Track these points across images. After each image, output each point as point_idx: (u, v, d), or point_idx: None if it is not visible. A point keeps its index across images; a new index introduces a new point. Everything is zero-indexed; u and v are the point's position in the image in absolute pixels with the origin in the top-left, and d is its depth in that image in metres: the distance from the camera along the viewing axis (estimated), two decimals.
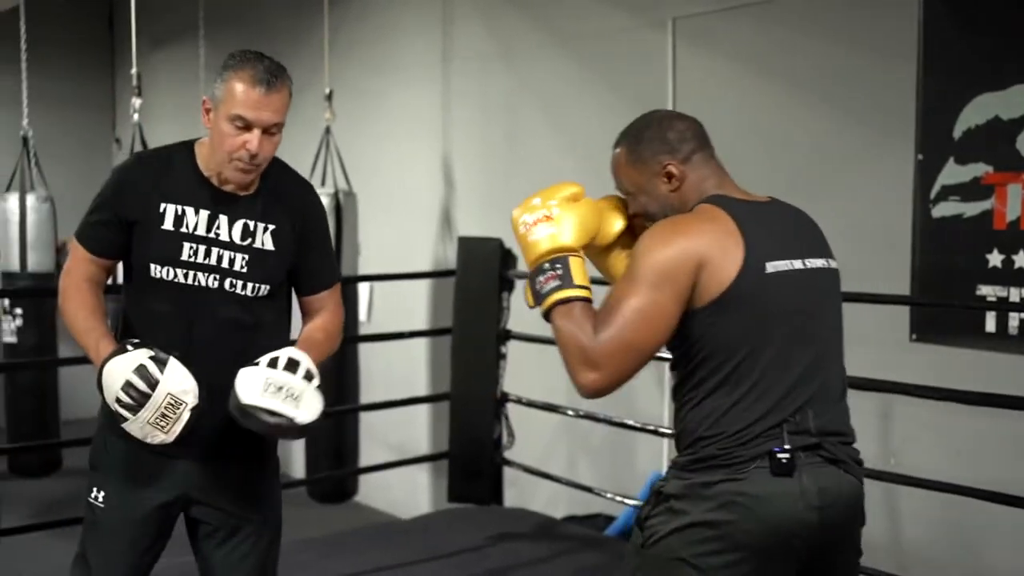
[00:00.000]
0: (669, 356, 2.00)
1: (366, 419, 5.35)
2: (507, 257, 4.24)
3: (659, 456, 4.38)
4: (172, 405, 2.10)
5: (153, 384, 2.09)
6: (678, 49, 4.24)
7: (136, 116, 4.95)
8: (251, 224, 2.26)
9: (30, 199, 5.48)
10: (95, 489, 2.30)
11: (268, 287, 2.29)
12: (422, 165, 5.49)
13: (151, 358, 2.11)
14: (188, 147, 2.30)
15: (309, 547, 3.88)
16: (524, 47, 4.97)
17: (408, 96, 5.61)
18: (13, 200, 5.50)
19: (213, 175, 2.25)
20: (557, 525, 4.23)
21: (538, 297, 1.96)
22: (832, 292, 2.05)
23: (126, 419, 2.11)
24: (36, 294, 5.50)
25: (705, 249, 1.87)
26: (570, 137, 4.76)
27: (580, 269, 1.96)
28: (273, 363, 2.17)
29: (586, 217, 2.01)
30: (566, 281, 1.93)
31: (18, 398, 5.54)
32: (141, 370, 2.09)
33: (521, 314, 4.33)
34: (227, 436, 2.27)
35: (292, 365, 2.17)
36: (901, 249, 3.48)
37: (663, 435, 4.16)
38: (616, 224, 2.09)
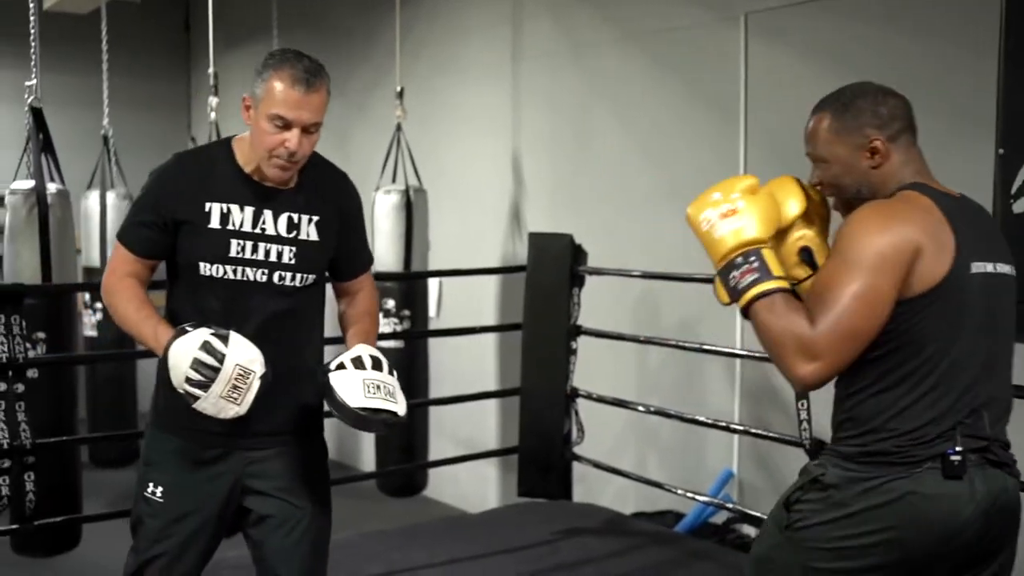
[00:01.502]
0: None
1: (436, 414, 5.39)
2: (578, 253, 4.24)
3: (729, 453, 4.36)
4: (242, 375, 2.12)
5: (221, 358, 2.11)
6: (751, 45, 4.20)
7: (213, 115, 5.05)
8: (295, 217, 2.32)
9: (110, 196, 5.62)
10: (151, 484, 2.32)
11: (314, 276, 2.36)
12: (491, 162, 5.52)
13: (213, 334, 2.13)
14: (226, 145, 2.34)
15: (380, 539, 3.93)
16: (594, 44, 4.96)
17: (478, 94, 5.64)
18: (94, 197, 5.65)
19: (254, 171, 2.29)
20: (626, 521, 4.22)
21: (735, 293, 1.90)
22: (1011, 297, 2.00)
23: (197, 398, 2.12)
24: None
25: (923, 238, 1.82)
26: (640, 134, 4.75)
27: (775, 260, 1.91)
28: (359, 363, 2.22)
29: (769, 207, 1.96)
30: (764, 274, 1.87)
31: (98, 390, 5.69)
32: (206, 346, 2.11)
33: (591, 310, 4.34)
34: (279, 424, 2.34)
35: (377, 363, 2.24)
36: None
37: (734, 431, 4.13)
38: (793, 208, 2.02)
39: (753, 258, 1.89)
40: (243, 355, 2.14)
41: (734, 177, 2.00)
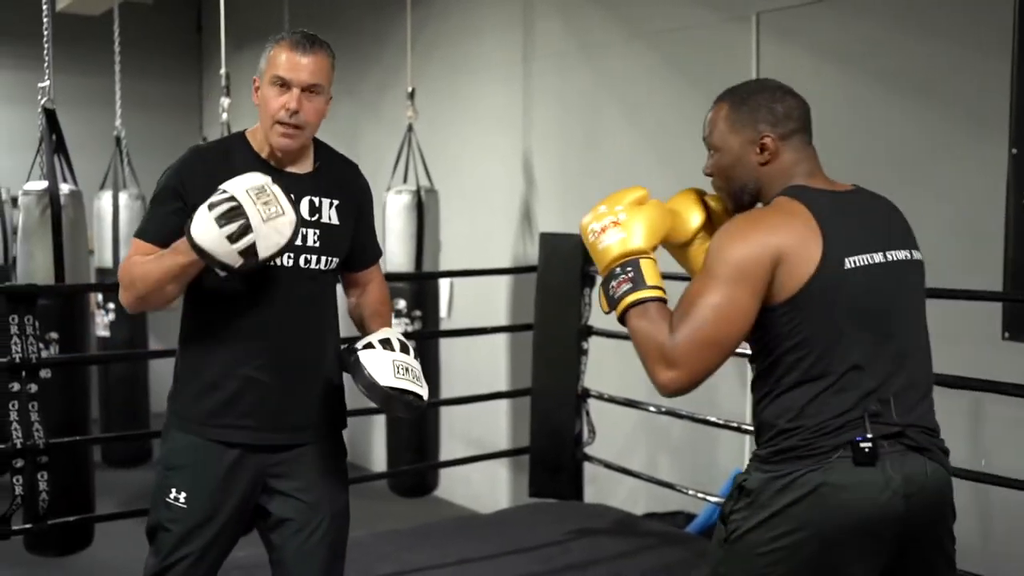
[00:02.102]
0: (748, 351, 1.99)
1: (447, 414, 5.40)
2: (588, 253, 4.24)
3: (741, 453, 4.35)
4: (259, 191, 2.11)
5: (231, 197, 2.09)
6: (762, 44, 4.20)
7: (225, 115, 5.07)
8: (316, 200, 2.34)
9: (123, 197, 5.64)
10: (174, 490, 2.31)
11: (337, 260, 2.38)
12: (502, 162, 5.52)
13: (207, 202, 2.11)
14: (240, 136, 2.38)
15: (391, 539, 3.93)
16: (604, 44, 4.96)
17: (489, 94, 5.64)
18: (107, 198, 5.67)
19: (270, 156, 2.32)
20: (638, 521, 4.22)
21: (612, 301, 1.96)
22: (916, 284, 2.02)
23: (253, 248, 2.08)
24: None
25: (783, 244, 1.85)
26: (651, 134, 4.75)
27: (652, 270, 1.95)
28: (387, 344, 2.25)
29: (654, 219, 2.01)
30: (638, 283, 1.92)
31: (111, 390, 5.71)
32: (213, 205, 2.09)
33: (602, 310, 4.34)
34: (305, 417, 2.35)
35: (404, 346, 2.28)
36: (994, 245, 3.40)
37: (745, 432, 4.12)
38: (694, 219, 2.10)
39: (630, 268, 1.94)
40: (243, 182, 2.13)
41: (623, 189, 2.05)
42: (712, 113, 2.07)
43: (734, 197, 2.06)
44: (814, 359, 1.87)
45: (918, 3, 3.70)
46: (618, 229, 1.97)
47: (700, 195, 2.13)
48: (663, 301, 1.92)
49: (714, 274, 1.86)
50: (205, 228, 2.09)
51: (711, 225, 2.10)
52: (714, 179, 2.09)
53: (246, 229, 2.08)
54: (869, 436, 1.84)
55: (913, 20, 3.70)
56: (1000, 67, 3.38)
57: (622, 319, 1.94)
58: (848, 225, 1.91)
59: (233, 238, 2.08)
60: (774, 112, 1.99)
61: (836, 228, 1.88)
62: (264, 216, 2.09)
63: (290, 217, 2.12)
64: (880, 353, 1.90)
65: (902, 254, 1.97)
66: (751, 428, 4.01)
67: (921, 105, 3.67)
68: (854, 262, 1.89)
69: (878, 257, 1.92)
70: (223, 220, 2.08)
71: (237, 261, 2.10)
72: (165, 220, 2.26)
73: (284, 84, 2.25)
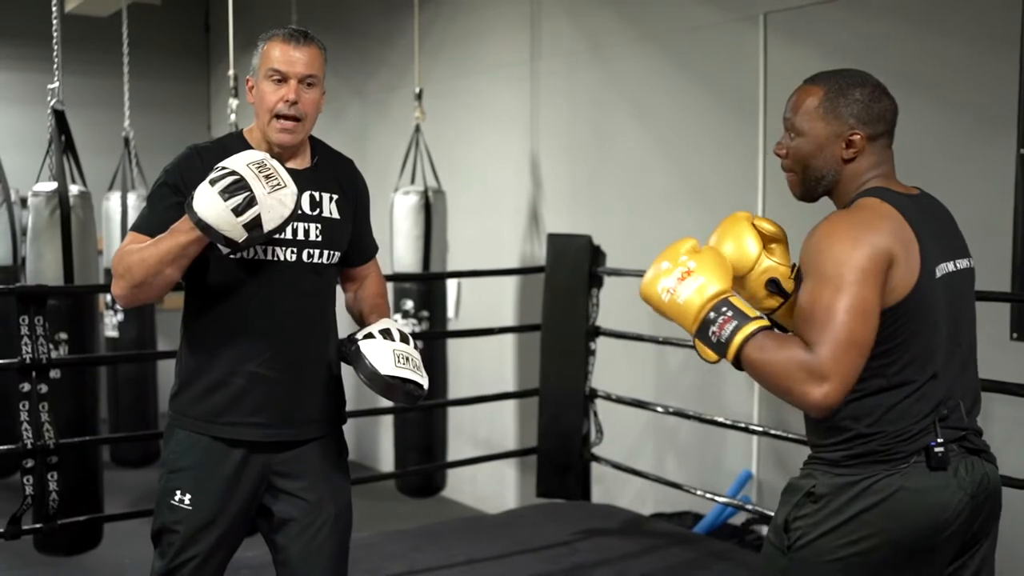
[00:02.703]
0: None
1: (454, 414, 5.40)
2: (596, 254, 4.24)
3: (748, 454, 4.35)
4: (260, 166, 2.11)
5: (231, 171, 2.10)
6: (770, 44, 4.20)
7: (233, 116, 5.08)
8: (317, 195, 2.35)
9: (131, 198, 5.65)
10: (178, 492, 2.30)
11: (338, 254, 2.39)
12: (510, 163, 5.53)
13: (208, 179, 2.12)
14: (238, 135, 2.39)
15: (398, 539, 3.94)
16: (612, 44, 4.96)
17: (496, 95, 5.65)
18: (115, 199, 5.68)
19: (269, 152, 2.31)
20: (645, 522, 4.22)
21: (720, 347, 1.85)
22: (971, 291, 2.02)
23: (258, 221, 2.08)
24: None
25: (892, 247, 1.81)
26: (659, 134, 4.75)
27: (745, 304, 1.88)
28: (387, 334, 2.26)
29: (719, 258, 1.93)
30: (741, 319, 1.82)
31: (119, 390, 5.72)
32: (214, 181, 2.10)
33: (610, 310, 4.34)
34: (310, 413, 2.35)
35: (404, 336, 2.29)
36: (1002, 245, 3.39)
37: (753, 432, 4.12)
38: (751, 248, 2.02)
39: (725, 308, 1.84)
40: (242, 157, 2.13)
41: (675, 242, 1.97)
42: (801, 95, 2.00)
43: (806, 186, 2.00)
44: (901, 365, 1.84)
45: (926, 3, 3.70)
46: (693, 277, 1.89)
47: (750, 220, 2.05)
48: (772, 327, 1.84)
49: (836, 277, 1.78)
50: (209, 202, 2.08)
51: (766, 247, 2.05)
52: (786, 161, 2.02)
53: (251, 201, 2.08)
54: (941, 441, 1.84)
55: (920, 20, 3.70)
56: (1008, 68, 3.37)
57: (737, 362, 1.83)
58: (931, 231, 1.90)
59: (238, 211, 2.07)
60: (870, 110, 1.95)
61: (925, 234, 1.87)
62: (267, 188, 2.09)
63: (292, 189, 2.13)
64: (951, 361, 1.90)
65: (964, 263, 1.98)
66: (759, 429, 4.03)
67: (929, 106, 3.66)
68: (941, 270, 1.89)
69: (951, 266, 1.92)
70: (227, 193, 2.07)
71: (242, 235, 2.10)
72: (163, 214, 2.24)
73: (281, 77, 2.27)
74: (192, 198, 2.11)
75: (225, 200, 2.07)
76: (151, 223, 2.24)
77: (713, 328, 1.85)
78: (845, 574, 1.84)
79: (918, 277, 1.83)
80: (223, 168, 2.12)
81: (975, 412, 1.97)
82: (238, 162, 2.12)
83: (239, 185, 2.08)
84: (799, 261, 1.90)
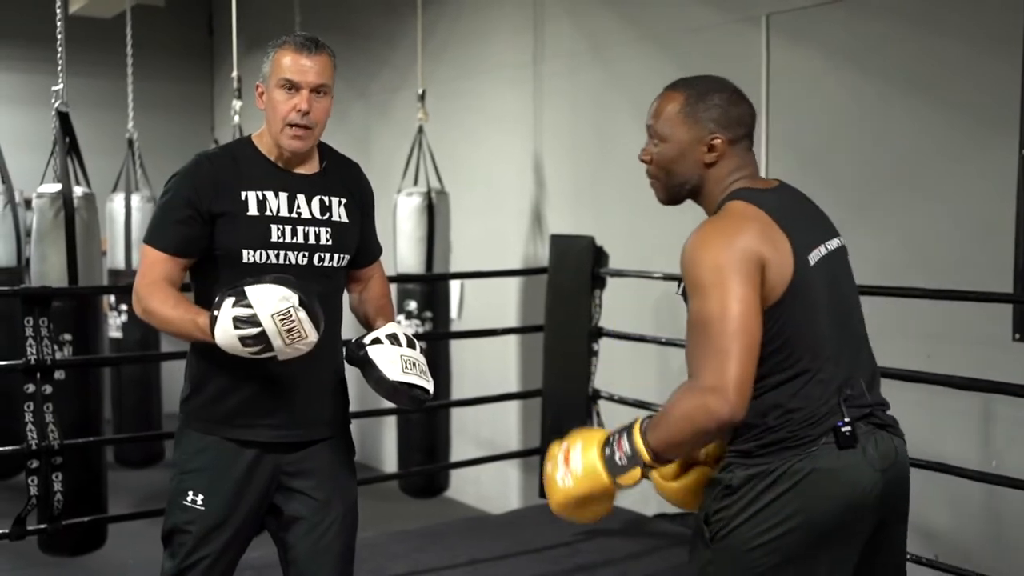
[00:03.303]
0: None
1: (457, 415, 5.41)
2: (599, 255, 4.25)
3: None
4: (284, 319, 2.11)
5: (257, 321, 2.10)
6: (772, 45, 4.20)
7: (237, 118, 5.09)
8: (326, 199, 2.37)
9: (135, 199, 5.67)
10: (191, 492, 2.32)
11: (348, 257, 2.41)
12: (513, 164, 5.53)
13: (234, 303, 2.12)
14: (246, 141, 2.40)
15: (402, 540, 3.95)
16: (615, 45, 4.97)
17: (499, 96, 5.65)
18: (119, 200, 5.70)
19: (278, 158, 2.34)
20: (648, 522, 4.22)
21: (634, 458, 1.87)
22: (848, 268, 2.06)
23: (271, 356, 2.13)
24: None
25: (763, 250, 1.85)
26: None
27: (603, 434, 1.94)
28: (394, 339, 2.30)
29: (585, 432, 1.99)
30: (625, 430, 1.89)
31: (123, 391, 5.73)
32: (236, 321, 2.10)
33: (613, 311, 4.34)
34: (320, 414, 2.38)
35: (411, 341, 2.32)
36: (1004, 246, 3.40)
37: None
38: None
39: (611, 439, 1.90)
40: (270, 304, 2.11)
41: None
42: (662, 102, 2.04)
43: (670, 191, 2.05)
44: (795, 358, 1.88)
45: (927, 4, 3.70)
46: (572, 450, 1.93)
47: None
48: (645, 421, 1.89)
49: (713, 285, 1.81)
50: (228, 341, 2.12)
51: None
52: (650, 168, 2.05)
53: (267, 349, 2.12)
54: (847, 420, 1.88)
55: (922, 21, 3.70)
56: (1010, 69, 3.38)
57: (654, 454, 1.86)
58: (798, 221, 1.94)
59: (255, 353, 2.13)
60: (728, 115, 1.99)
61: (793, 227, 1.90)
62: (287, 340, 2.12)
63: (312, 339, 2.14)
64: (844, 340, 1.94)
65: (835, 242, 2.01)
66: None
67: (931, 107, 3.67)
68: (814, 257, 1.92)
69: (823, 249, 1.96)
70: (248, 341, 2.11)
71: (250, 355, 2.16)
72: (177, 229, 2.28)
73: (292, 87, 2.28)
74: (215, 318, 2.12)
75: (244, 346, 2.11)
76: (166, 239, 2.29)
77: (617, 457, 1.88)
78: (766, 560, 1.86)
79: (793, 271, 1.86)
80: (249, 308, 2.10)
81: (876, 386, 2.00)
82: (264, 307, 2.10)
83: (259, 336, 2.10)
84: (681, 274, 1.93)
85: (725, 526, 1.89)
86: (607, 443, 1.90)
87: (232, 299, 2.12)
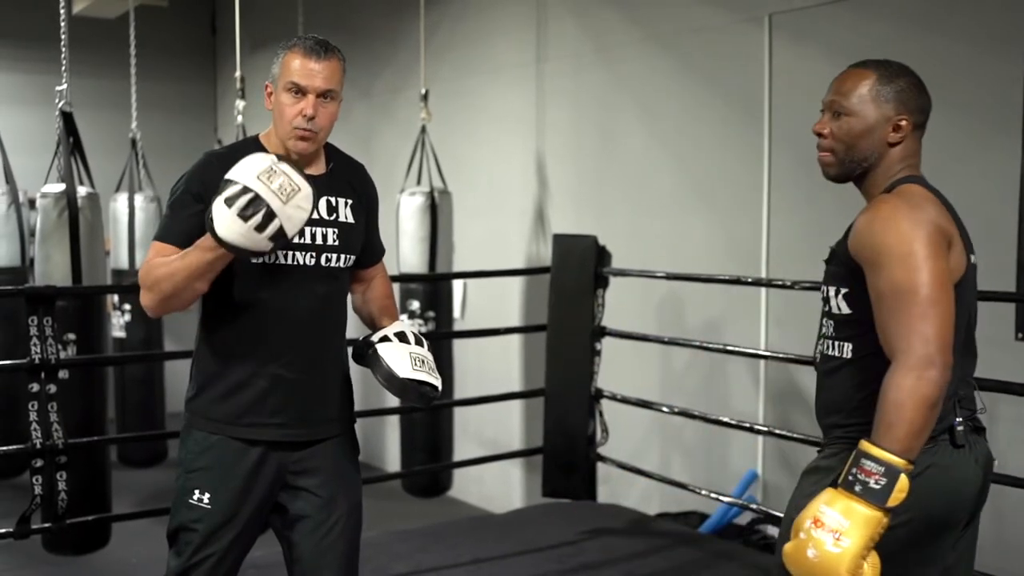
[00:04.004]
0: (842, 317, 1.97)
1: (460, 414, 5.41)
2: (602, 254, 4.25)
3: (754, 453, 4.35)
4: (269, 175, 2.10)
5: (245, 188, 2.09)
6: (775, 46, 4.20)
7: (240, 118, 5.10)
8: (333, 200, 2.38)
9: (138, 199, 5.67)
10: (197, 491, 2.33)
11: (354, 257, 2.42)
12: (516, 164, 5.54)
13: (221, 192, 2.11)
14: (254, 140, 2.40)
15: (405, 539, 3.95)
16: (618, 45, 4.97)
17: (502, 96, 5.66)
18: (122, 200, 5.71)
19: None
20: (651, 521, 4.23)
21: (890, 476, 1.77)
22: (976, 284, 2.09)
23: (281, 232, 2.10)
24: None
25: (948, 227, 1.89)
26: (664, 135, 4.76)
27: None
28: (403, 337, 2.34)
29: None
30: (860, 462, 1.79)
31: (126, 391, 5.74)
32: (228, 201, 2.09)
33: (615, 311, 4.35)
34: (325, 412, 2.39)
35: (419, 339, 2.36)
36: (1007, 245, 3.40)
37: (758, 432, 4.13)
38: None
39: (852, 474, 1.79)
40: (251, 169, 2.11)
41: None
42: (850, 78, 2.04)
43: (845, 166, 2.05)
44: None
45: (930, 5, 3.70)
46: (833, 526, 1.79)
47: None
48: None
49: (906, 255, 1.82)
50: (229, 224, 2.10)
51: None
52: (827, 140, 2.05)
53: (270, 215, 2.09)
54: (960, 420, 1.93)
55: (925, 22, 3.70)
56: (1012, 69, 3.38)
57: (908, 458, 1.78)
58: (959, 222, 1.98)
59: (260, 228, 2.10)
60: (917, 100, 2.02)
61: (960, 224, 1.96)
62: (283, 198, 2.10)
63: (306, 191, 2.14)
64: (965, 344, 1.99)
65: (973, 258, 2.04)
66: (764, 428, 4.04)
67: (934, 107, 3.66)
68: (972, 260, 1.97)
69: (973, 258, 2.00)
70: (245, 212, 2.09)
71: (268, 246, 2.13)
72: (186, 223, 2.27)
73: (299, 91, 2.28)
74: (211, 219, 2.12)
75: (245, 221, 2.09)
76: (175, 233, 2.27)
77: (872, 483, 1.77)
78: (882, 550, 1.83)
79: (965, 263, 1.92)
80: (235, 184, 2.11)
81: (975, 392, 2.05)
82: (247, 174, 2.11)
83: (255, 201, 2.09)
84: (853, 254, 1.92)
85: None
86: (847, 484, 1.79)
87: (217, 193, 2.12)
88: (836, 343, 2.01)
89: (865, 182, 2.05)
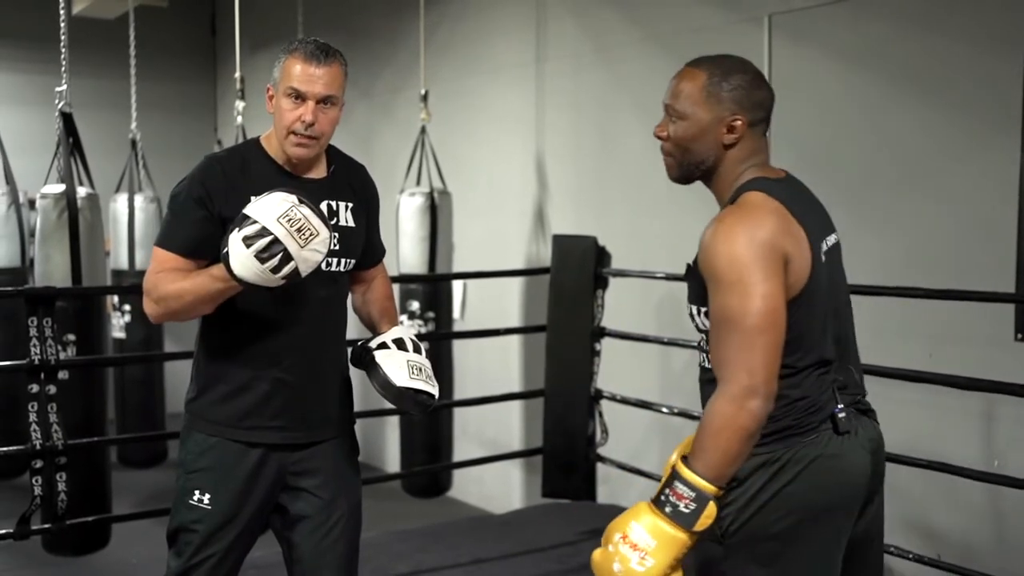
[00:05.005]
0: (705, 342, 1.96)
1: (460, 415, 5.41)
2: (601, 255, 4.25)
3: None
4: (289, 219, 2.10)
5: (264, 230, 2.09)
6: (774, 45, 4.20)
7: (239, 119, 5.10)
8: (333, 204, 2.38)
9: (138, 199, 5.67)
10: (197, 492, 2.33)
11: (354, 261, 2.43)
12: (516, 164, 5.54)
13: (239, 228, 2.11)
14: (255, 143, 2.40)
15: (405, 539, 3.95)
16: (618, 45, 4.97)
17: (502, 96, 5.66)
18: (122, 200, 5.71)
19: (286, 163, 2.34)
20: None
21: (699, 501, 1.78)
22: (841, 260, 2.08)
23: (296, 271, 2.11)
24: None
25: (786, 244, 1.84)
26: None
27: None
28: (401, 344, 2.33)
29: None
30: (672, 484, 1.80)
31: (126, 391, 5.74)
32: (246, 241, 2.09)
33: (615, 311, 4.35)
34: (326, 414, 2.40)
35: (417, 346, 2.35)
36: (1006, 246, 3.40)
37: None
38: None
39: (664, 494, 1.80)
40: (272, 210, 2.11)
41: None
42: (684, 80, 1.99)
43: (684, 169, 2.03)
44: (807, 350, 1.89)
45: (929, 5, 3.70)
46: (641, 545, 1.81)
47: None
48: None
49: (737, 282, 1.80)
50: (245, 263, 2.10)
51: None
52: (666, 144, 2.04)
53: (287, 259, 2.10)
54: (842, 406, 1.91)
55: (925, 22, 3.70)
56: (1012, 69, 3.38)
57: (718, 484, 1.80)
58: (808, 216, 1.93)
59: (276, 270, 2.11)
60: (751, 96, 1.95)
61: (806, 220, 1.90)
62: (301, 242, 2.11)
63: (324, 235, 2.14)
64: (839, 330, 1.97)
65: (833, 237, 2.03)
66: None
67: (933, 107, 3.67)
68: (822, 252, 1.93)
69: (826, 243, 1.97)
70: (263, 255, 2.10)
71: (280, 283, 2.14)
72: (190, 230, 2.27)
73: (299, 96, 2.27)
74: (227, 255, 2.12)
75: (263, 262, 2.10)
76: (178, 240, 2.27)
77: (682, 506, 1.79)
78: (781, 548, 1.86)
79: (811, 266, 1.87)
80: (254, 223, 2.10)
81: (859, 373, 2.04)
82: (267, 215, 2.10)
83: (274, 245, 2.09)
84: (701, 272, 1.90)
85: (736, 519, 1.88)
86: (658, 503, 1.81)
87: (235, 228, 2.12)
88: (708, 357, 1.97)
89: (711, 184, 2.03)
